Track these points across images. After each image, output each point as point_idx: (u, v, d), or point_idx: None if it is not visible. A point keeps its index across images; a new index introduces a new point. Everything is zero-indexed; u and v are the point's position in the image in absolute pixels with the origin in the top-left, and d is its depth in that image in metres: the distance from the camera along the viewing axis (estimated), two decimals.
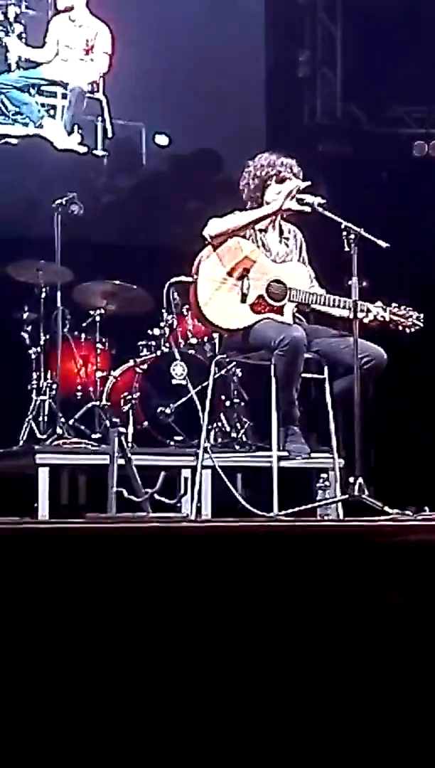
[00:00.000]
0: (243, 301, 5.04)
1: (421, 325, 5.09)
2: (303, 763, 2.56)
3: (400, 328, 5.08)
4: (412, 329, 5.09)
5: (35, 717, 2.43)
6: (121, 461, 5.20)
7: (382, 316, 5.02)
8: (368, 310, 4.98)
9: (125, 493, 5.15)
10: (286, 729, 2.57)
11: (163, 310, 6.47)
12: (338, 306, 5.06)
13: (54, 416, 6.13)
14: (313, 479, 5.90)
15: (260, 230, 5.15)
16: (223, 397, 6.43)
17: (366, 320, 4.95)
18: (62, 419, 6.09)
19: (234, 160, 7.81)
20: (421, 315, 5.10)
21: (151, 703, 2.50)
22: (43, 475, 5.59)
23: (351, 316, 4.80)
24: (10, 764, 2.38)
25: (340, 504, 4.98)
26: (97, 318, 6.66)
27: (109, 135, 8.03)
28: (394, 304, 5.08)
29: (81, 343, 6.64)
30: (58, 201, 6.21)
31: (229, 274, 5.06)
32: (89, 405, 6.41)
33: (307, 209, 4.99)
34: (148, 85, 8.04)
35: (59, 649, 2.47)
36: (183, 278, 5.50)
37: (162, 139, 8.25)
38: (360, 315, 4.79)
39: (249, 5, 8.59)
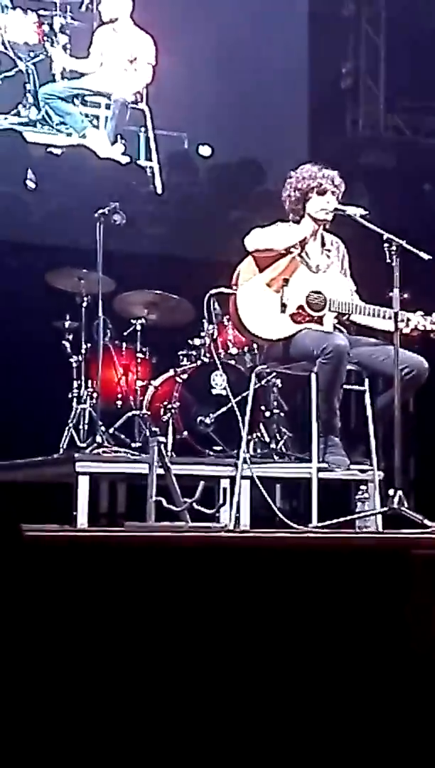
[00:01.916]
0: (283, 311, 5.04)
1: None
2: None
3: None
4: None
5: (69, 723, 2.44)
6: (161, 471, 5.20)
7: (423, 325, 4.99)
8: (408, 320, 4.95)
9: (164, 503, 5.15)
10: (321, 748, 2.56)
11: (204, 320, 6.48)
12: (378, 316, 5.04)
13: (94, 425, 6.15)
14: (352, 491, 5.88)
15: (301, 241, 5.15)
16: (262, 408, 6.42)
17: (407, 330, 4.92)
18: (102, 428, 6.11)
19: (276, 171, 7.82)
20: None
21: (197, 713, 2.51)
22: (83, 483, 5.60)
23: (392, 328, 4.78)
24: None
25: (379, 516, 4.96)
26: (138, 327, 6.68)
27: (153, 145, 8.07)
28: (434, 313, 5.05)
29: (122, 352, 6.66)
30: (101, 210, 6.24)
31: (269, 284, 5.07)
32: (129, 414, 6.42)
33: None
34: (192, 96, 8.07)
35: (96, 655, 2.48)
36: (223, 289, 5.51)
37: (205, 150, 8.27)
38: (400, 325, 4.77)
39: (293, 16, 8.60)
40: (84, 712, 2.45)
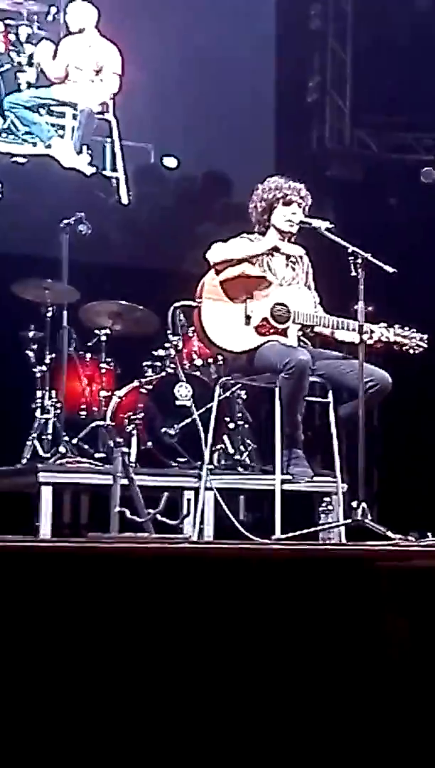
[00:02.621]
0: (247, 323, 5.05)
1: (425, 346, 5.08)
2: None
3: (404, 349, 5.07)
4: (417, 351, 5.07)
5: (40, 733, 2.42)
6: (124, 481, 5.20)
7: (386, 337, 5.02)
8: (372, 331, 4.97)
9: (128, 514, 5.14)
10: (283, 751, 2.56)
11: (169, 331, 6.48)
12: (342, 328, 5.06)
13: (58, 435, 6.13)
14: (316, 503, 5.89)
15: (266, 253, 5.16)
16: (227, 419, 6.42)
17: (370, 341, 4.94)
18: (66, 438, 6.09)
19: (242, 183, 7.84)
20: (425, 336, 5.09)
21: (148, 721, 2.49)
22: (46, 493, 5.58)
23: (356, 340, 4.80)
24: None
25: (342, 528, 4.97)
26: (103, 338, 6.66)
27: (118, 156, 8.06)
28: (397, 326, 5.07)
29: (86, 363, 6.64)
30: (66, 221, 6.23)
31: (234, 296, 5.08)
32: (93, 424, 6.40)
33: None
34: (158, 108, 8.07)
35: (59, 667, 2.46)
36: (187, 302, 5.51)
37: (171, 162, 8.28)
38: (364, 337, 4.79)
39: (259, 30, 8.62)
40: (47, 721, 2.43)
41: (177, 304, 6.21)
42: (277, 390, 4.95)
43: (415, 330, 5.08)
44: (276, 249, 5.13)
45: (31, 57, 7.87)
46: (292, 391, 4.91)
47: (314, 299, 5.23)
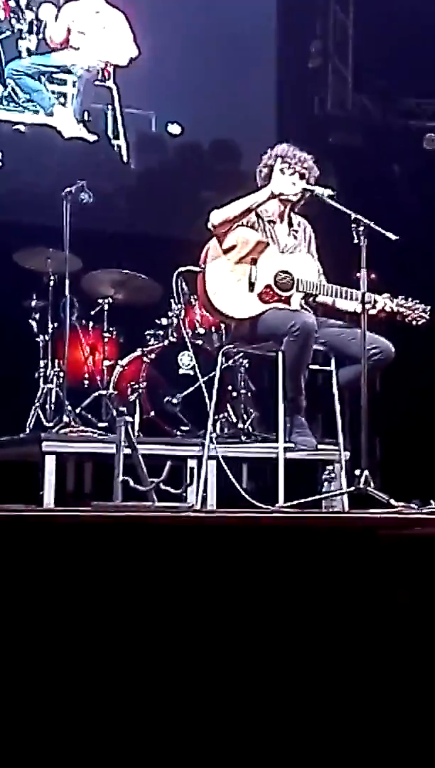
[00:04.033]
0: (251, 290, 5.04)
1: (428, 317, 5.08)
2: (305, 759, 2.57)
3: (407, 320, 5.07)
4: (420, 322, 5.08)
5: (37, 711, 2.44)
6: (127, 450, 5.19)
7: (389, 308, 5.02)
8: (375, 301, 4.97)
9: (131, 482, 5.13)
10: (285, 724, 2.57)
11: (172, 300, 6.47)
12: (345, 297, 5.06)
13: (61, 404, 6.14)
14: (318, 471, 5.90)
15: (269, 221, 5.15)
16: (229, 388, 6.42)
17: (373, 312, 4.94)
18: (69, 407, 6.09)
19: (245, 150, 7.82)
20: (428, 308, 5.09)
21: (152, 697, 2.51)
22: (49, 462, 5.59)
23: (358, 309, 4.79)
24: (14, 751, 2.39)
25: (345, 496, 4.98)
26: (106, 307, 6.66)
27: (120, 123, 8.02)
28: (401, 296, 5.07)
29: (89, 332, 6.64)
30: (68, 189, 6.20)
31: (237, 263, 5.07)
32: (96, 394, 6.41)
33: (308, 194, 5.00)
34: (160, 75, 8.03)
35: (62, 636, 2.47)
36: (191, 268, 5.50)
37: (174, 128, 8.24)
38: (367, 306, 4.78)
39: None
40: (51, 695, 2.45)
41: (181, 269, 6.20)
42: (279, 355, 4.94)
43: (418, 301, 5.08)
44: (276, 196, 5.06)
45: (31, 24, 7.81)
46: (298, 354, 4.89)
47: (317, 268, 5.22)
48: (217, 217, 5.03)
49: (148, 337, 6.61)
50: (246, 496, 5.00)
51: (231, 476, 5.18)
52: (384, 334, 5.03)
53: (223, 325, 6.18)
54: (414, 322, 5.07)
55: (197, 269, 5.16)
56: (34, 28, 7.83)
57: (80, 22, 7.90)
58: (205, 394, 5.48)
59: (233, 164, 8.22)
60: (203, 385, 5.71)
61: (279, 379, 4.96)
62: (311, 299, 5.16)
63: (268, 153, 5.20)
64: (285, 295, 5.06)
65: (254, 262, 5.06)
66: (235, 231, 5.06)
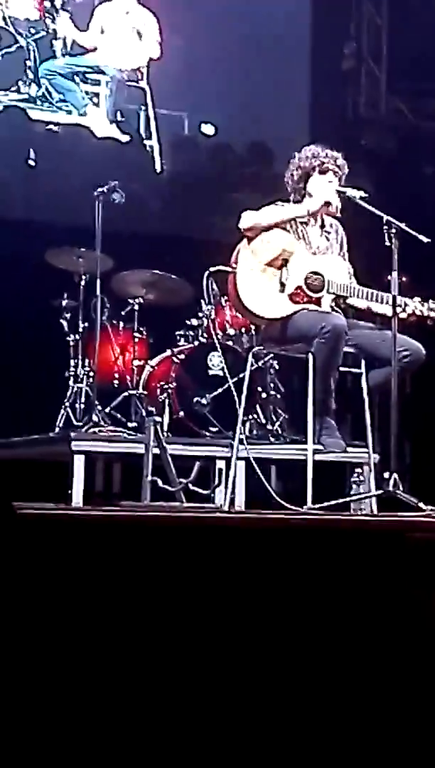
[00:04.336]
0: (281, 290, 5.03)
1: None
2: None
3: None
4: None
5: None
6: (156, 450, 5.21)
7: (420, 311, 4.99)
8: (406, 305, 4.95)
9: (160, 483, 5.15)
10: (311, 720, 2.57)
11: (202, 301, 6.47)
12: (376, 300, 5.04)
13: (91, 404, 6.15)
14: (347, 473, 5.88)
15: (301, 222, 5.14)
16: (259, 389, 6.42)
17: (403, 315, 4.91)
18: (99, 407, 6.11)
19: (277, 152, 7.81)
20: None
21: (177, 688, 2.51)
22: (79, 462, 5.60)
23: (389, 312, 4.78)
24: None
25: (374, 499, 4.96)
26: (136, 307, 6.67)
27: (153, 124, 8.04)
28: (432, 300, 5.05)
29: (119, 332, 6.65)
30: (100, 189, 6.22)
31: (268, 264, 5.06)
32: (126, 393, 6.42)
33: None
34: (192, 76, 8.04)
35: (91, 633, 2.48)
36: (222, 268, 5.49)
37: (208, 129, 8.23)
38: (397, 309, 4.76)
39: None
40: (78, 689, 2.46)
41: (212, 269, 6.20)
42: (310, 358, 4.92)
43: None
44: (313, 215, 5.08)
45: (65, 24, 7.84)
46: (328, 356, 4.87)
47: (349, 270, 5.20)
48: (247, 220, 5.03)
49: (178, 338, 6.61)
50: (276, 497, 4.99)
51: (263, 478, 5.16)
52: (414, 336, 5.01)
53: (253, 327, 6.17)
54: None
55: (228, 269, 5.16)
56: (68, 29, 7.85)
57: (112, 23, 7.92)
58: (235, 395, 5.48)
59: (265, 166, 8.22)
60: (232, 386, 5.70)
61: (309, 380, 4.94)
62: (341, 301, 5.14)
63: (297, 156, 5.19)
64: (315, 296, 5.05)
65: (285, 263, 5.06)
66: (267, 232, 5.06)
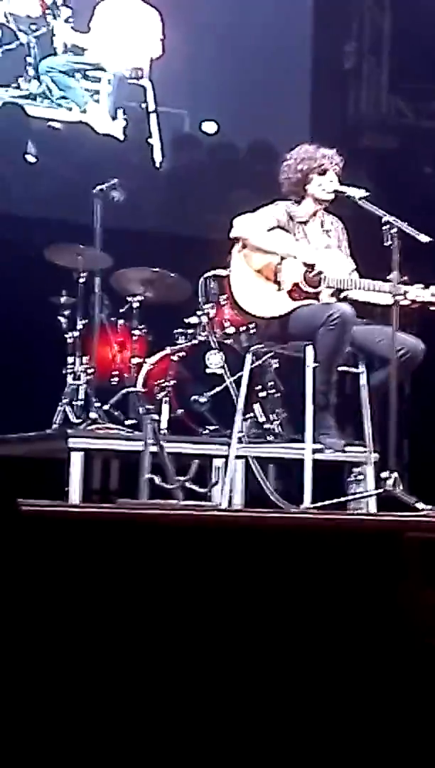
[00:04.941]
0: (279, 289, 5.02)
1: None
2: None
3: None
4: None
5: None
6: (154, 448, 5.21)
7: (421, 297, 4.91)
8: (407, 291, 4.87)
9: (157, 480, 5.15)
10: (307, 722, 2.56)
11: (201, 299, 6.46)
12: (375, 290, 4.97)
13: (88, 401, 6.15)
14: (346, 473, 5.87)
15: (301, 222, 5.12)
16: (258, 388, 6.41)
17: (405, 302, 4.83)
18: (97, 404, 6.10)
19: (278, 150, 7.78)
20: None
21: (150, 694, 2.50)
22: (76, 459, 5.59)
23: (389, 302, 4.74)
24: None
25: (372, 498, 4.95)
26: (135, 305, 6.66)
27: (153, 122, 8.02)
28: (433, 286, 4.98)
29: (117, 329, 6.65)
30: (100, 186, 6.21)
31: (265, 263, 5.04)
32: (124, 391, 6.41)
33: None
34: (194, 74, 8.03)
35: (86, 632, 2.47)
36: (216, 272, 5.49)
37: (210, 127, 8.22)
38: (398, 297, 4.71)
39: None
40: (77, 685, 2.45)
41: (207, 275, 6.20)
42: (307, 350, 4.88)
43: None
44: (308, 266, 5.04)
45: (66, 20, 7.83)
46: (333, 344, 4.81)
47: (350, 266, 5.17)
48: (238, 231, 5.01)
49: (176, 336, 6.60)
50: (273, 496, 4.99)
51: (261, 477, 5.16)
52: (415, 334, 4.99)
53: (252, 325, 6.16)
54: None
55: (223, 273, 5.15)
56: (70, 25, 7.83)
57: (114, 20, 7.91)
58: (233, 394, 5.47)
59: (266, 164, 8.20)
60: (231, 385, 5.70)
61: (307, 377, 4.91)
62: (342, 296, 5.10)
63: (291, 157, 5.14)
64: (314, 291, 5.02)
65: (282, 260, 5.04)
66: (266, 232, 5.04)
